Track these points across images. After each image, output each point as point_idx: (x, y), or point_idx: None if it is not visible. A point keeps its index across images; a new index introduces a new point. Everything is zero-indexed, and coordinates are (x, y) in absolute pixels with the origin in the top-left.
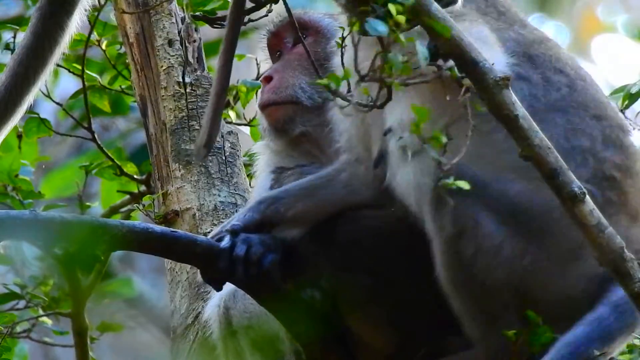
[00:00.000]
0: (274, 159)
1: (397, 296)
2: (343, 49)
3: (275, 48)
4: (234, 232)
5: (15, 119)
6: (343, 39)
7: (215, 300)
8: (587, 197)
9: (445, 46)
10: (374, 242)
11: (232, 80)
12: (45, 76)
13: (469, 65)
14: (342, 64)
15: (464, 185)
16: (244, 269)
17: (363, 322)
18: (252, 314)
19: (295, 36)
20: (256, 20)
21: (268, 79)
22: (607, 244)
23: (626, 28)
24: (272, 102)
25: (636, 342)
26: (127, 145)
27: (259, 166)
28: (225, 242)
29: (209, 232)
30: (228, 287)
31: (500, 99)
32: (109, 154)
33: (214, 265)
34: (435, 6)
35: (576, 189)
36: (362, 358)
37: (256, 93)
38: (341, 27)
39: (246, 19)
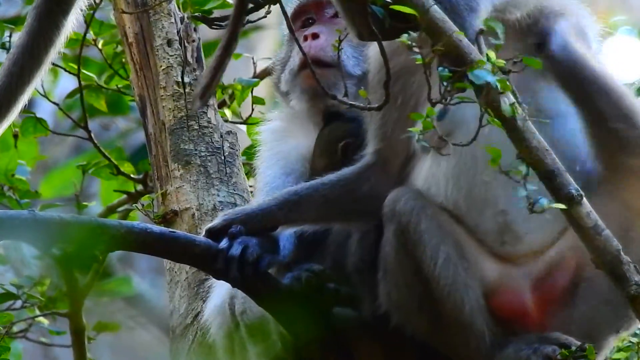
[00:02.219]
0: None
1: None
2: (340, 51)
3: (308, 15)
4: (233, 236)
5: (10, 119)
6: (340, 41)
7: (217, 299)
8: (584, 199)
9: (445, 47)
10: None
11: (229, 80)
12: (41, 76)
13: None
14: (341, 66)
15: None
16: (238, 270)
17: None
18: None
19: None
20: (255, 21)
21: (315, 35)
22: (604, 247)
23: (627, 28)
24: (318, 59)
25: (634, 339)
26: (128, 145)
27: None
28: (223, 243)
29: None
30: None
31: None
32: (106, 153)
33: (210, 265)
34: (435, 7)
35: (573, 191)
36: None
37: (251, 91)
38: (338, 30)
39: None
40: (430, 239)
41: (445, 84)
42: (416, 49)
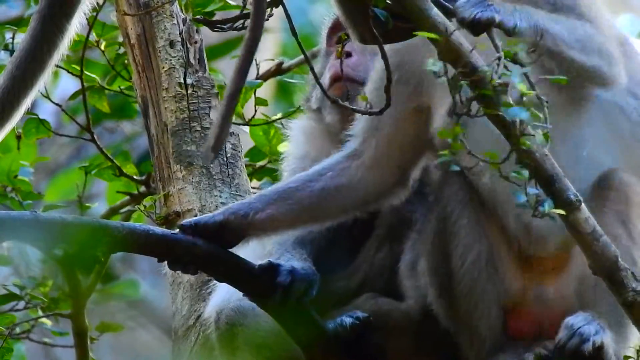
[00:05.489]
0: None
1: None
2: (343, 56)
3: (343, 30)
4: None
5: (13, 122)
6: (343, 45)
7: (217, 298)
8: (583, 204)
9: (445, 50)
10: None
11: None
12: (44, 79)
13: (468, 69)
14: (342, 68)
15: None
16: (282, 298)
17: None
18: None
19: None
20: None
21: (348, 54)
22: (602, 252)
23: (627, 28)
24: (350, 77)
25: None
26: (134, 148)
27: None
28: (281, 278)
29: None
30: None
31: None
32: (109, 155)
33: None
34: (435, 11)
35: (572, 196)
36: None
37: (254, 92)
38: (343, 35)
39: (246, 22)
40: (466, 235)
41: (466, 99)
42: (441, 75)
